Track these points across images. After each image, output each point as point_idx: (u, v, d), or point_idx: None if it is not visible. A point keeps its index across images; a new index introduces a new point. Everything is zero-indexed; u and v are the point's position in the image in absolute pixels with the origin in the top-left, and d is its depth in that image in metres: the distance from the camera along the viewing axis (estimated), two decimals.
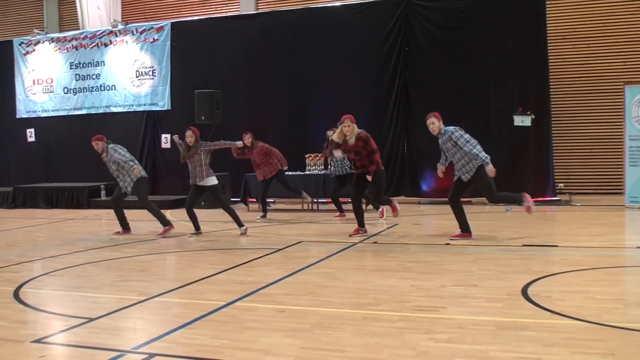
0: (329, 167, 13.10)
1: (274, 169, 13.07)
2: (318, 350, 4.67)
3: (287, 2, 18.51)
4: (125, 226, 11.28)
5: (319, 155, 14.49)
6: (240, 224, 10.83)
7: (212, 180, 10.86)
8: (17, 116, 19.17)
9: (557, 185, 15.12)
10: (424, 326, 5.15)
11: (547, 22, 14.75)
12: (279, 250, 9.17)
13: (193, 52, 17.31)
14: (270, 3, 18.82)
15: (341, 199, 12.99)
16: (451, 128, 9.35)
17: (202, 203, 15.34)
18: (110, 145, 10.95)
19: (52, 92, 19.02)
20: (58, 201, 16.80)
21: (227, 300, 6.17)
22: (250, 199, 14.90)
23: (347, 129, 9.73)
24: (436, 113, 9.52)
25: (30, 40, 19.28)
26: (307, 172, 14.61)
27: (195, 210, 10.97)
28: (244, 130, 13.36)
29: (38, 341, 5.06)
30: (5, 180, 18.90)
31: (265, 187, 13.29)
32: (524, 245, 8.97)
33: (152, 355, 4.64)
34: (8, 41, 19.82)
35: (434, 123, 9.41)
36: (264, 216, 13.24)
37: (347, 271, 7.59)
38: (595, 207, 13.68)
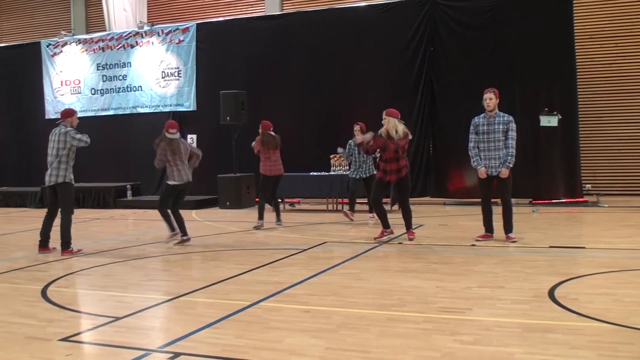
0: (351, 168, 12.62)
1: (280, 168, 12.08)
2: (343, 351, 4.67)
3: (313, 2, 18.52)
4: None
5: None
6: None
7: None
8: (46, 117, 19.36)
9: (585, 186, 14.95)
10: (449, 328, 5.12)
11: (574, 21, 14.61)
12: (304, 250, 9.18)
13: (218, 53, 17.39)
14: (295, 4, 18.84)
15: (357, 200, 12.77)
16: (510, 116, 9.20)
17: (227, 203, 15.48)
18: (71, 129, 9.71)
19: (80, 93, 19.21)
20: (85, 201, 16.93)
21: (252, 300, 6.19)
22: None
23: (385, 122, 9.62)
24: (495, 89, 9.23)
25: (58, 42, 19.49)
26: (331, 173, 14.61)
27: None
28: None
29: (65, 339, 5.11)
30: (33, 180, 19.10)
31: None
32: (550, 247, 8.89)
33: (178, 354, 4.66)
34: (36, 43, 20.06)
35: (492, 99, 9.10)
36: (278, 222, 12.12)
37: (372, 272, 7.58)
38: (623, 209, 13.52)
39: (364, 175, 12.26)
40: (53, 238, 9.66)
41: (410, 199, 10.03)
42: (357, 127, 12.37)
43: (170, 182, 10.02)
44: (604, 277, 6.99)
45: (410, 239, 9.65)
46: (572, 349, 4.53)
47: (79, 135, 9.64)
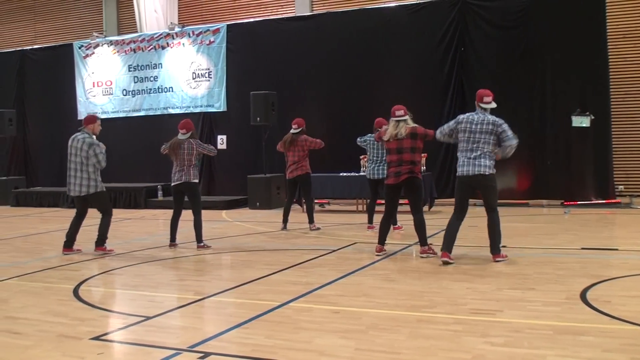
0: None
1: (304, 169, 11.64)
2: (372, 352, 4.66)
3: (343, 3, 18.51)
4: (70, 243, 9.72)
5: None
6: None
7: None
8: (78, 118, 19.55)
9: (617, 188, 14.79)
10: (480, 329, 5.09)
11: (607, 20, 14.43)
12: (334, 251, 9.17)
13: (248, 53, 17.46)
14: (325, 4, 18.84)
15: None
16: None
17: (257, 204, 15.52)
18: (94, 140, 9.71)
19: (112, 94, 19.42)
20: (116, 201, 17.05)
21: (281, 300, 6.20)
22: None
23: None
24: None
25: (90, 44, 19.70)
26: (361, 173, 14.57)
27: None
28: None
29: (96, 338, 5.16)
30: (66, 180, 19.32)
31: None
32: (582, 249, 8.79)
33: (208, 354, 4.69)
34: (68, 44, 20.32)
35: None
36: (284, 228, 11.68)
37: (402, 273, 7.56)
38: None
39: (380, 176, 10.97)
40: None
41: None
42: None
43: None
44: (637, 280, 6.90)
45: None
46: (604, 352, 4.47)
47: (102, 156, 9.66)
